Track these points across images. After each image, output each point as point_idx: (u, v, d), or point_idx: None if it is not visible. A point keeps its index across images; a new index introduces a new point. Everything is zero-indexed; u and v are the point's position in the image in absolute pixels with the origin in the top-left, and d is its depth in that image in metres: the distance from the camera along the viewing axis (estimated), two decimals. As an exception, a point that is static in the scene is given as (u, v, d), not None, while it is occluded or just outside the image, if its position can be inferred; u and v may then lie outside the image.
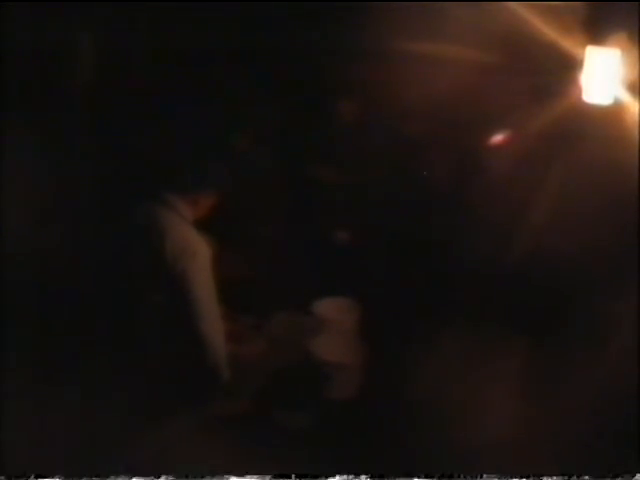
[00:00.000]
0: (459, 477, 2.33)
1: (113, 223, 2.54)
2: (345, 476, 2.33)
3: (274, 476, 2.32)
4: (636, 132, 2.83)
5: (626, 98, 2.88)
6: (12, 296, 2.60)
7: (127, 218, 2.49)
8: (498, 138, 3.42)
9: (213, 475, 2.31)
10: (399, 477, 2.35)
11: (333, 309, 3.13)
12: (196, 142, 2.58)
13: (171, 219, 2.43)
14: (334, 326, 3.06)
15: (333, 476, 2.34)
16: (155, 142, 2.70)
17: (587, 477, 2.33)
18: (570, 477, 2.34)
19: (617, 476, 2.32)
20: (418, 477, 2.35)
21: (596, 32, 2.90)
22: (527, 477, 2.35)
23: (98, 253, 2.50)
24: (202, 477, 2.32)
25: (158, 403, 2.38)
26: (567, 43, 2.98)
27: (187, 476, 2.32)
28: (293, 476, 2.33)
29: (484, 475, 2.33)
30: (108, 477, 2.30)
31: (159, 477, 2.30)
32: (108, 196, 2.80)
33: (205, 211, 2.56)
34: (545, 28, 3.02)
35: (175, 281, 2.36)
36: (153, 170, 2.60)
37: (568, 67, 2.98)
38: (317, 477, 2.34)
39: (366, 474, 2.34)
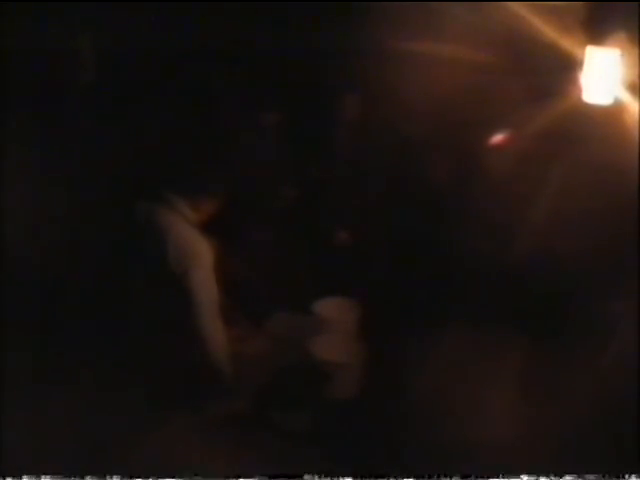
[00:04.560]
0: (457, 477, 2.33)
1: (115, 223, 2.55)
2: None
3: (273, 476, 2.32)
4: (636, 132, 2.83)
5: (626, 98, 2.88)
6: (12, 296, 2.61)
7: (129, 218, 2.49)
8: (498, 138, 3.42)
9: (213, 477, 2.32)
10: (399, 477, 2.35)
11: (333, 309, 3.12)
12: (199, 143, 2.58)
13: (173, 220, 2.43)
14: (334, 326, 3.06)
15: (334, 476, 2.34)
16: (158, 142, 2.70)
17: (587, 477, 2.33)
18: (570, 477, 2.34)
19: (617, 476, 2.32)
20: (418, 477, 2.35)
21: (596, 32, 2.90)
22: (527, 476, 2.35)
23: (99, 253, 2.50)
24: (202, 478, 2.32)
25: (158, 403, 2.39)
26: (567, 43, 2.98)
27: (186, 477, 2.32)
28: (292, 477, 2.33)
29: (483, 475, 2.33)
30: (107, 477, 2.30)
31: (158, 478, 2.30)
32: (110, 196, 2.80)
33: (209, 213, 2.56)
34: (545, 28, 3.02)
35: (177, 282, 2.36)
36: (156, 170, 2.61)
37: (568, 67, 2.98)
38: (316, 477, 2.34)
39: (366, 474, 2.34)
